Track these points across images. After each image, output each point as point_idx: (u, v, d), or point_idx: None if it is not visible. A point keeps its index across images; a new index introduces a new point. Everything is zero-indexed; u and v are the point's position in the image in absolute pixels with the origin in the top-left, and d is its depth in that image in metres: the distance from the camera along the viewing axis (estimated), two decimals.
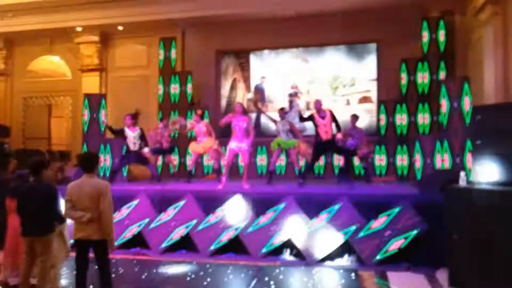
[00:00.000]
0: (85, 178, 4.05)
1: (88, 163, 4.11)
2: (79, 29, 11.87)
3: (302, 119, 8.03)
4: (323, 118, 7.65)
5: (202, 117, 9.15)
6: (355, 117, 9.27)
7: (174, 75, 11.18)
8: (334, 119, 7.67)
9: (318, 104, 7.86)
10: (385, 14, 10.24)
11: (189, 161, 9.65)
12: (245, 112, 7.88)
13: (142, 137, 8.48)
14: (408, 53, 10.03)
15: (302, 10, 10.61)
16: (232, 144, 7.69)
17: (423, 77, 9.79)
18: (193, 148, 8.87)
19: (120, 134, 8.45)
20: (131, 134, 8.41)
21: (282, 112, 8.59)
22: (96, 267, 4.08)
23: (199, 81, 11.34)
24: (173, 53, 11.31)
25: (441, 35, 9.73)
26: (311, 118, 7.79)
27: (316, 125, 7.70)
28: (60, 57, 12.96)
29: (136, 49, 12.29)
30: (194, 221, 6.74)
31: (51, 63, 13.12)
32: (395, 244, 5.80)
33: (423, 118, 9.69)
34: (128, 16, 11.12)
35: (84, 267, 3.99)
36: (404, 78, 9.98)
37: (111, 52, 12.52)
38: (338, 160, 9.88)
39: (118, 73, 12.39)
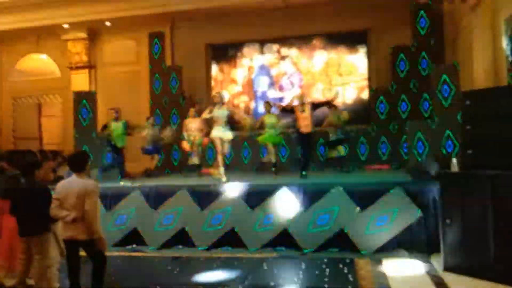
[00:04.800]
0: (74, 177, 4.03)
1: (77, 163, 4.07)
2: (66, 26, 11.72)
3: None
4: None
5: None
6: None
7: (164, 70, 11.06)
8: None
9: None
10: (374, 3, 10.22)
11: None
12: (223, 101, 7.64)
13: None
14: (398, 41, 10.02)
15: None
16: (216, 133, 7.45)
17: (413, 64, 9.77)
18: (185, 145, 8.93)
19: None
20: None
21: (268, 105, 8.51)
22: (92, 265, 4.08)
23: (189, 75, 11.26)
24: (162, 48, 11.14)
25: (430, 23, 9.72)
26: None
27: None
28: (47, 55, 12.82)
29: (125, 45, 12.17)
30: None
31: (40, 61, 12.96)
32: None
33: (413, 105, 9.69)
34: (115, 11, 11.01)
35: (76, 267, 3.97)
36: (394, 65, 9.96)
37: (100, 49, 12.39)
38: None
39: (107, 70, 12.29)
